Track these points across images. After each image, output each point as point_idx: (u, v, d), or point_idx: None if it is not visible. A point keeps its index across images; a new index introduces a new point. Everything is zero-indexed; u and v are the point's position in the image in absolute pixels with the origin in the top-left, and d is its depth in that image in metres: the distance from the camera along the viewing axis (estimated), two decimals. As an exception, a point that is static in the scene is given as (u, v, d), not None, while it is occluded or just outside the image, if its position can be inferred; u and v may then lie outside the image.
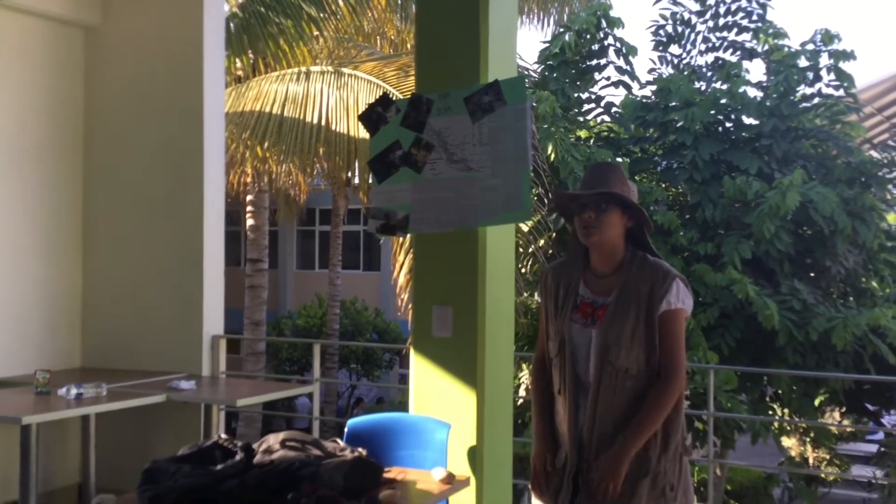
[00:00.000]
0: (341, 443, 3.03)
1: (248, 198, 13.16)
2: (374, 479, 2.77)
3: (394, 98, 3.94)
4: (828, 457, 15.12)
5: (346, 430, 3.58)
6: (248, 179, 12.87)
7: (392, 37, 13.21)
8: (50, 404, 4.36)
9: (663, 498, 2.60)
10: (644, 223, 2.72)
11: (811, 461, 15.02)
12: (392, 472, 2.95)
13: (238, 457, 2.77)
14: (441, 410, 3.72)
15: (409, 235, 6.95)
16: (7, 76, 5.33)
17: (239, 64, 10.51)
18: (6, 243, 5.30)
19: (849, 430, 12.61)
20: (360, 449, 2.94)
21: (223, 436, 2.95)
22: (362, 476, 2.73)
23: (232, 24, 9.84)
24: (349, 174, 10.85)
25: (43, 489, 5.26)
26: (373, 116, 3.84)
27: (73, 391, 4.41)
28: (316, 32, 10.44)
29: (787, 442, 14.18)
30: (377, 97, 3.92)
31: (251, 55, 10.44)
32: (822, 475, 14.11)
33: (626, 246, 2.71)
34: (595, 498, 2.59)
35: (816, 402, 9.82)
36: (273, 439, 2.90)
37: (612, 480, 2.56)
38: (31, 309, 5.54)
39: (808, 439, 13.72)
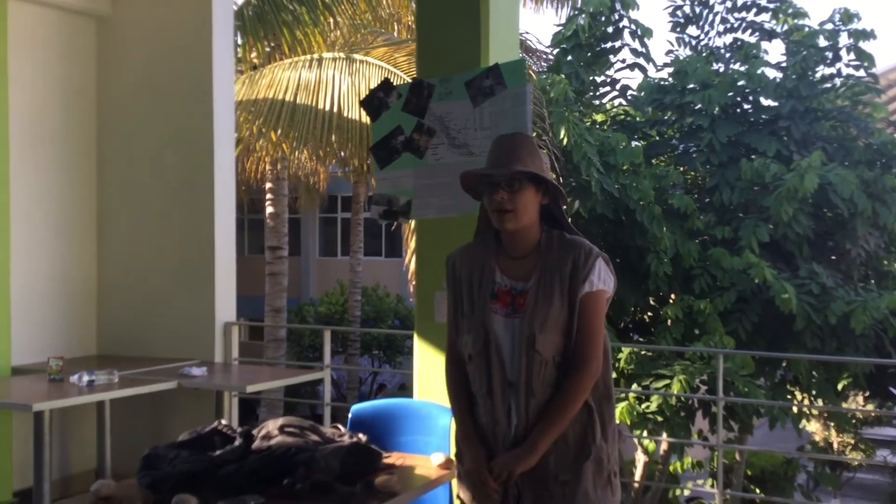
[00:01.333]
0: (342, 428, 3.04)
1: (267, 185, 13.22)
2: (371, 464, 2.78)
3: (395, 84, 3.93)
4: (852, 441, 15.02)
5: (349, 415, 3.59)
6: (267, 167, 12.92)
7: (409, 23, 13.17)
8: (62, 391, 4.40)
9: (609, 486, 2.40)
10: (560, 197, 2.48)
11: (835, 446, 14.92)
12: (392, 458, 2.95)
13: (237, 443, 2.78)
14: (444, 396, 3.71)
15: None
16: (20, 66, 5.37)
17: (255, 53, 10.53)
18: (21, 232, 5.36)
19: (873, 414, 12.48)
20: (359, 434, 2.94)
21: (223, 422, 2.97)
22: (359, 461, 2.74)
23: (247, 12, 9.85)
24: (361, 161, 10.85)
25: (61, 475, 5.34)
26: (374, 102, 3.84)
27: (86, 378, 4.45)
28: (331, 19, 10.43)
29: (811, 427, 14.08)
30: (378, 82, 3.92)
31: (266, 43, 10.46)
32: (840, 459, 14.00)
33: (541, 225, 2.47)
34: (539, 495, 2.38)
35: (839, 387, 9.73)
36: (272, 425, 2.91)
37: (510, 477, 2.35)
38: (46, 298, 5.60)
39: (832, 424, 13.61)
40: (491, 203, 2.42)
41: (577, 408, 2.36)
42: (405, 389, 19.79)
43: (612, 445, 2.42)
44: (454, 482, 3.26)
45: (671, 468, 10.84)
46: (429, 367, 3.83)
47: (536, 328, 2.36)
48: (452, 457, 3.02)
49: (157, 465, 2.67)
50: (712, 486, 10.90)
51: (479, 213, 2.58)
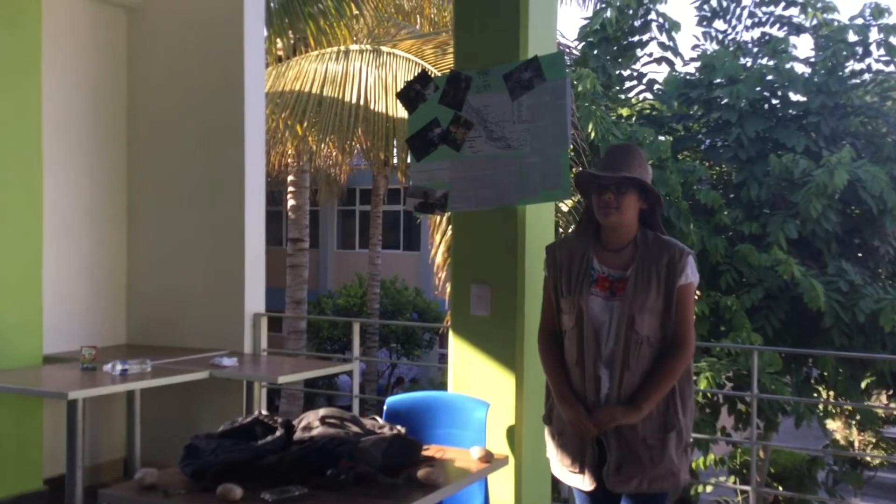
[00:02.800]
0: (380, 420, 3.04)
1: (289, 178, 13.23)
2: (412, 456, 2.77)
3: (432, 76, 3.90)
4: (874, 440, 14.91)
5: (385, 407, 3.59)
6: (290, 160, 12.93)
7: (431, 15, 13.15)
8: (95, 380, 4.41)
9: (686, 455, 2.80)
10: (658, 205, 2.87)
11: (857, 444, 14.82)
12: (430, 450, 2.95)
13: (278, 433, 2.79)
14: (480, 389, 3.71)
15: (445, 215, 6.95)
16: (52, 57, 5.37)
17: (280, 44, 10.52)
18: (53, 223, 5.37)
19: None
20: (398, 427, 2.94)
21: (264, 412, 2.98)
22: (400, 453, 2.74)
23: (273, 4, 9.83)
24: (387, 154, 10.83)
25: (90, 463, 5.36)
26: (411, 94, 3.81)
27: (119, 367, 4.46)
28: (356, 12, 10.40)
29: (832, 425, 13.98)
30: (415, 75, 3.89)
31: (292, 35, 10.45)
32: (867, 458, 13.90)
33: (638, 225, 2.86)
34: (626, 457, 2.73)
35: (863, 385, 9.66)
36: (313, 416, 2.91)
37: (603, 427, 2.73)
38: (77, 287, 5.62)
39: (853, 422, 13.52)
40: (598, 201, 2.81)
41: (673, 382, 2.75)
42: (416, 383, 19.77)
43: (689, 419, 2.82)
44: (490, 477, 3.26)
45: (692, 465, 10.78)
46: (465, 360, 3.81)
47: (636, 310, 2.74)
48: (490, 449, 3.01)
49: (199, 454, 2.68)
50: (734, 482, 10.85)
51: (584, 210, 2.94)
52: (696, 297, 2.96)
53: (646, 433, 2.73)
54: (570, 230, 9.08)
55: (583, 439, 2.79)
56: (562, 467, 2.89)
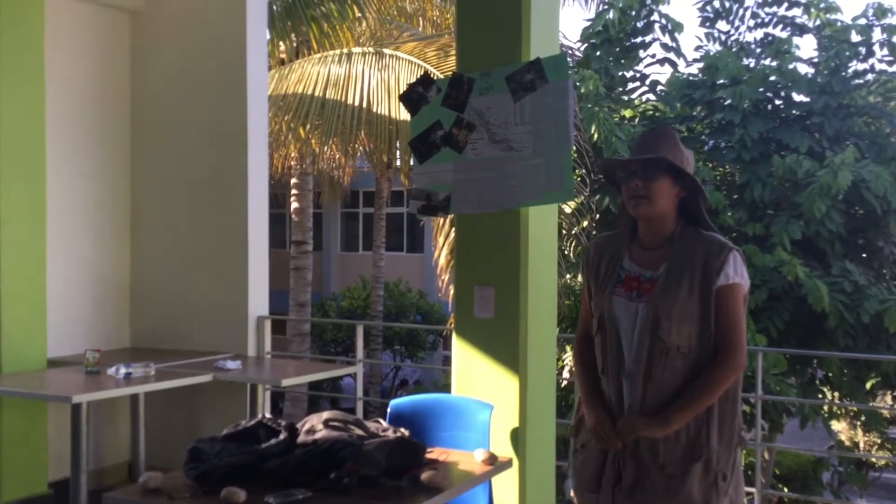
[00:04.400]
0: (384, 423, 3.04)
1: (293, 180, 13.26)
2: (415, 459, 2.78)
3: (434, 78, 3.91)
4: (879, 441, 14.88)
5: (388, 410, 3.58)
6: (293, 162, 12.96)
7: (434, 17, 13.18)
8: (99, 383, 4.42)
9: (715, 488, 2.36)
10: (699, 194, 2.49)
11: (861, 445, 14.80)
12: (434, 453, 2.94)
13: (282, 436, 2.79)
14: (483, 391, 3.71)
15: (448, 217, 6.96)
16: (55, 61, 5.38)
17: (283, 47, 10.55)
18: (57, 226, 5.38)
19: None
20: (402, 429, 2.94)
21: (267, 415, 2.98)
22: (404, 456, 2.74)
23: (275, 7, 9.86)
24: (390, 156, 10.85)
25: (94, 467, 5.37)
26: (413, 96, 3.81)
27: (122, 370, 4.47)
28: (358, 14, 10.43)
29: (836, 426, 13.96)
30: (418, 77, 3.89)
31: (294, 38, 10.47)
32: (873, 459, 13.88)
33: (677, 219, 2.49)
34: (640, 481, 2.39)
35: (868, 386, 9.65)
36: (316, 419, 2.91)
37: (623, 438, 2.40)
38: (81, 290, 5.63)
39: (858, 423, 13.50)
40: (626, 190, 2.49)
41: (714, 396, 2.36)
42: (420, 385, 19.77)
43: (725, 447, 2.39)
44: (494, 480, 3.26)
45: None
46: (468, 362, 3.81)
47: (662, 314, 2.38)
48: (494, 452, 3.01)
49: (203, 457, 2.68)
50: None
51: (620, 205, 2.66)
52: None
53: (667, 459, 2.37)
54: (573, 231, 9.09)
55: (605, 454, 2.46)
56: (580, 487, 2.56)
